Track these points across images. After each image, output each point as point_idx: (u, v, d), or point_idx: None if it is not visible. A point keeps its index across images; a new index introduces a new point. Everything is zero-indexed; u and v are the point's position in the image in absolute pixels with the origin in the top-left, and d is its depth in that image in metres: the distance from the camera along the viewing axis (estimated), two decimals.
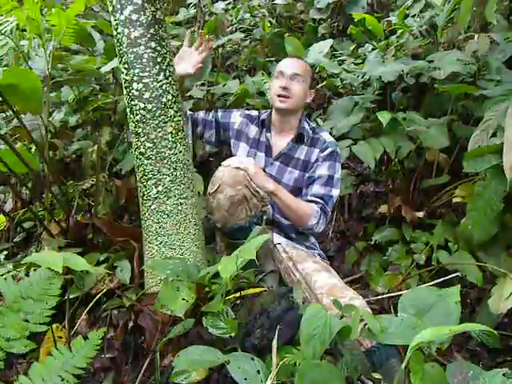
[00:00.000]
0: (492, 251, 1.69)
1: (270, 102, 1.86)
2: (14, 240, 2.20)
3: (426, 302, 1.05)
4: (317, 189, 1.68)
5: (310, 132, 1.77)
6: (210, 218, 1.62)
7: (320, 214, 1.64)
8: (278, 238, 1.72)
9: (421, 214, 2.05)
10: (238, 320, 1.17)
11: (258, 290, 1.34)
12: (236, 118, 1.86)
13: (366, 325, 0.98)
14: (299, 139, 1.76)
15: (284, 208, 1.61)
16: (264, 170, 1.70)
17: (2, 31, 1.70)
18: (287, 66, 1.73)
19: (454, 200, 1.90)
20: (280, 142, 1.79)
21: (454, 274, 1.51)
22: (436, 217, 2.05)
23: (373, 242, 2.11)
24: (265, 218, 1.64)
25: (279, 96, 1.70)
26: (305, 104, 1.79)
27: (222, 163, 1.56)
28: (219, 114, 1.87)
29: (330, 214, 1.69)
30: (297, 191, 1.72)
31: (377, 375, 1.06)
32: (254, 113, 1.88)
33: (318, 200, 1.66)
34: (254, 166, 1.54)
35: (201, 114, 1.87)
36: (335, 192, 1.69)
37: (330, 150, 1.71)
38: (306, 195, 1.69)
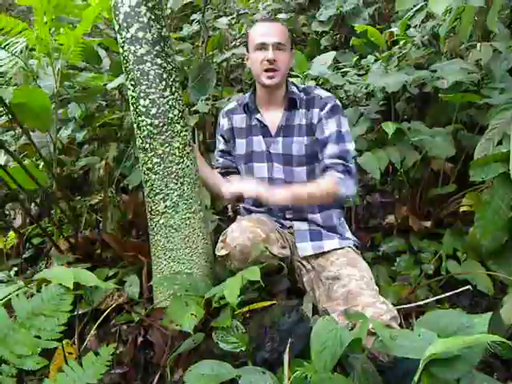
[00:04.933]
0: (502, 260, 1.67)
1: (255, 79, 1.64)
2: (23, 256, 2.21)
3: (447, 327, 0.95)
4: (330, 149, 1.55)
5: (302, 94, 1.63)
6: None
7: (344, 176, 1.54)
8: (303, 250, 1.62)
9: (428, 224, 2.04)
10: (248, 334, 1.17)
11: (267, 303, 1.34)
12: (223, 121, 1.75)
13: (378, 337, 0.97)
14: (291, 105, 1.61)
15: (311, 201, 1.53)
16: (268, 152, 1.64)
17: (13, 51, 1.74)
18: (269, 34, 1.54)
19: (462, 209, 1.89)
20: (273, 117, 1.64)
21: (465, 287, 1.49)
22: (443, 226, 2.04)
23: (380, 253, 2.10)
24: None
25: (266, 71, 1.53)
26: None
27: (225, 189, 1.54)
28: (221, 147, 1.79)
29: (354, 170, 1.58)
30: (312, 158, 1.62)
31: None
32: (233, 104, 1.77)
33: (337, 161, 1.55)
34: (262, 188, 1.47)
35: (225, 162, 1.78)
36: (349, 145, 1.58)
37: (330, 105, 1.57)
38: (322, 160, 1.58)
